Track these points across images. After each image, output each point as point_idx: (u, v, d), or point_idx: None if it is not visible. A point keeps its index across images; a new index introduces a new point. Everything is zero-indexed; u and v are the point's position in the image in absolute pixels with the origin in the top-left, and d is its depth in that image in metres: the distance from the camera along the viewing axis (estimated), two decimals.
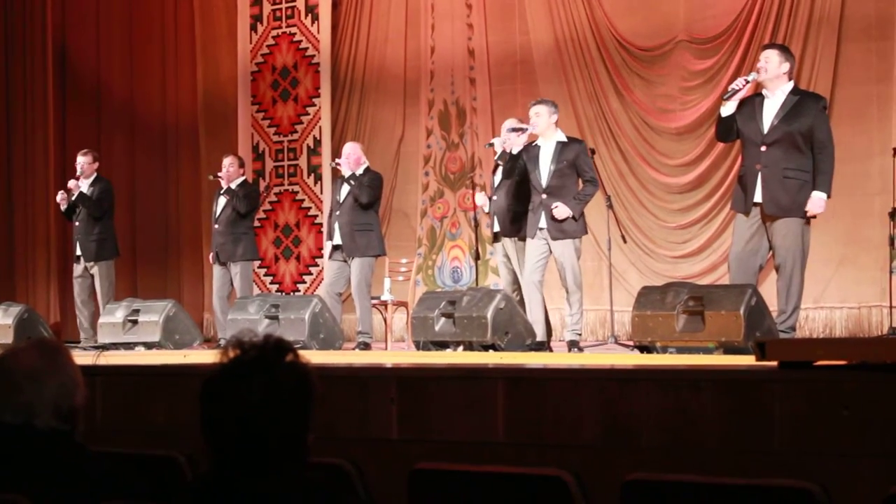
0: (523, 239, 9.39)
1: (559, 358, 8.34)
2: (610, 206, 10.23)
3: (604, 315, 11.34)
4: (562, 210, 8.96)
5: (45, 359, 3.30)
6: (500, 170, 9.64)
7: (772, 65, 7.85)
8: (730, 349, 7.16)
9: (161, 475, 3.82)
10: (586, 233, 9.31)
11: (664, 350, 7.57)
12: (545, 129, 9.19)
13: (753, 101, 7.92)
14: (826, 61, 10.75)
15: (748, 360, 5.27)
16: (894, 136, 10.41)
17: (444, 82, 12.95)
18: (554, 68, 12.18)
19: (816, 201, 7.71)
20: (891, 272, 9.80)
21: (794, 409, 4.58)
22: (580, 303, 9.16)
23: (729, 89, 7.98)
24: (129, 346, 10.53)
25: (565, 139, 9.22)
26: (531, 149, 9.20)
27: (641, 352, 7.75)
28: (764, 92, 7.91)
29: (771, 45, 8.29)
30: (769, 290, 8.34)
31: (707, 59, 11.43)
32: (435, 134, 13.02)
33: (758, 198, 7.77)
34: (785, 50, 8.10)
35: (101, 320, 11.05)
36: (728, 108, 7.92)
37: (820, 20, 10.79)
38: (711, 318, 7.31)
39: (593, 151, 10.79)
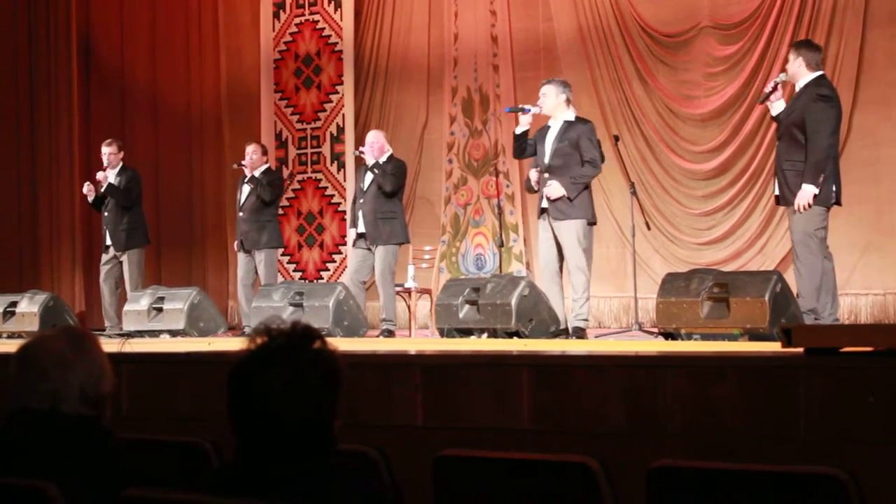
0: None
1: (584, 345, 8.32)
2: (634, 193, 10.20)
3: (628, 302, 11.32)
4: (555, 189, 8.84)
5: (72, 345, 3.31)
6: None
7: (790, 64, 8.13)
8: (755, 336, 7.15)
9: (187, 462, 3.83)
10: (593, 217, 9.06)
11: (689, 337, 7.56)
12: (553, 109, 9.10)
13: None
14: (851, 47, 10.69)
15: (774, 347, 5.25)
16: None
17: (467, 69, 12.93)
18: (577, 55, 12.15)
19: (802, 193, 7.88)
20: None
21: (820, 395, 4.57)
22: (584, 287, 8.89)
23: (764, 93, 8.30)
24: (153, 333, 10.56)
25: (573, 119, 9.11)
26: (543, 128, 9.17)
27: (666, 339, 7.73)
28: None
29: (796, 45, 8.45)
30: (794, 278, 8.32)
31: (731, 45, 11.38)
32: (458, 121, 13.00)
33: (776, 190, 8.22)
34: (801, 46, 8.26)
35: (125, 308, 11.08)
36: (775, 109, 8.23)
37: (845, 6, 10.73)
38: (736, 305, 7.29)
39: (617, 138, 10.81)
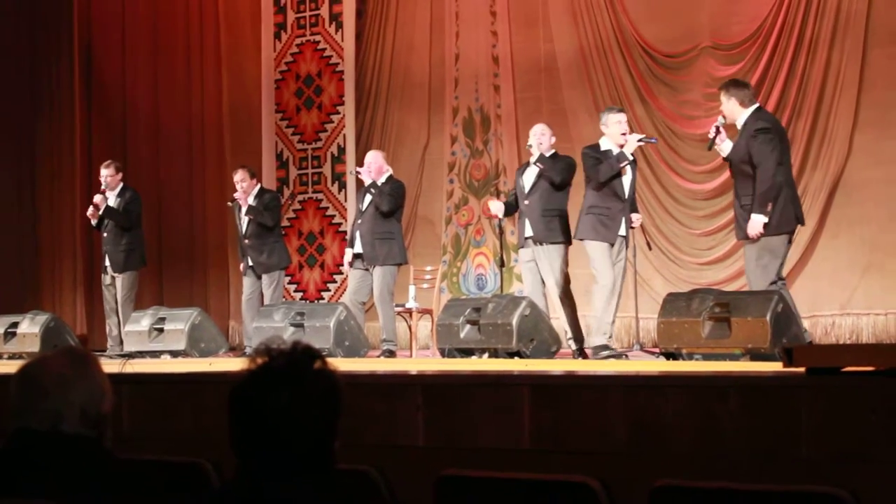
0: (555, 244, 9.41)
1: (585, 365, 8.32)
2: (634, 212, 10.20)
3: (629, 322, 11.31)
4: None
5: (73, 365, 3.30)
6: (528, 172, 9.66)
7: (724, 106, 8.38)
8: (756, 356, 7.14)
9: (187, 482, 3.82)
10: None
11: (690, 357, 7.55)
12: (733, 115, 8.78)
13: None
14: (852, 66, 10.70)
15: (775, 367, 5.25)
16: None
17: (468, 90, 12.96)
18: (578, 75, 12.17)
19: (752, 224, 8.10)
20: None
21: (822, 415, 4.56)
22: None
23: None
24: (154, 354, 10.55)
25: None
26: (622, 156, 9.15)
27: (667, 359, 7.73)
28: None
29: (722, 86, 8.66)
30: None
31: (732, 65, 11.39)
32: (459, 141, 13.02)
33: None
34: (728, 86, 8.50)
35: (126, 328, 11.08)
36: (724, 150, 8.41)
37: (846, 25, 10.74)
38: (738, 325, 7.29)
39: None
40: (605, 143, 9.24)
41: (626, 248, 9.26)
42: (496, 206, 10.08)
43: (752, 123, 8.21)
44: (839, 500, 3.04)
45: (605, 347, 8.89)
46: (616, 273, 9.07)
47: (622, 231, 9.09)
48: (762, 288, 7.92)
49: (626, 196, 9.13)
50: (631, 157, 9.15)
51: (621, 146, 9.14)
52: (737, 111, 8.27)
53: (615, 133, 9.20)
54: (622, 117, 9.34)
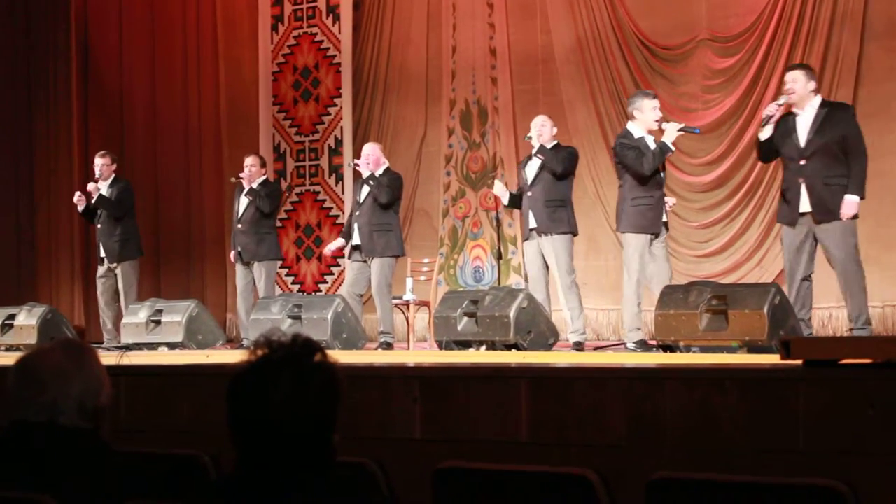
0: (560, 234, 9.40)
1: (582, 357, 8.33)
2: None
3: None
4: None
5: (71, 358, 3.31)
6: (530, 164, 9.64)
7: (799, 85, 8.26)
8: (754, 348, 7.15)
9: (185, 475, 3.82)
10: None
11: (687, 349, 7.56)
12: (803, 99, 8.56)
13: (787, 121, 8.32)
14: (849, 60, 10.69)
15: (773, 359, 5.25)
16: None
17: (465, 82, 12.95)
18: (576, 67, 12.16)
19: (848, 203, 8.08)
20: None
21: (820, 407, 4.57)
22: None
23: (764, 116, 8.41)
24: (152, 346, 10.56)
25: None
26: (666, 148, 9.00)
27: (665, 351, 7.73)
28: (795, 110, 8.31)
29: (795, 67, 8.67)
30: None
31: (729, 57, 11.39)
32: (457, 133, 13.01)
33: (804, 207, 8.16)
34: (809, 69, 8.53)
35: (124, 321, 11.07)
36: (766, 133, 8.35)
37: (843, 18, 10.73)
38: (735, 317, 7.30)
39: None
40: (635, 130, 9.02)
41: (668, 231, 9.14)
42: (500, 188, 9.91)
43: (842, 109, 8.33)
44: (836, 492, 3.04)
45: (644, 343, 8.84)
46: (665, 256, 9.00)
47: (664, 217, 9.02)
48: (857, 270, 8.15)
49: (664, 182, 9.11)
50: (673, 149, 9.04)
51: (652, 132, 8.99)
52: (807, 97, 8.23)
53: (649, 119, 9.01)
54: (657, 103, 9.13)
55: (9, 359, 3.61)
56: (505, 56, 12.65)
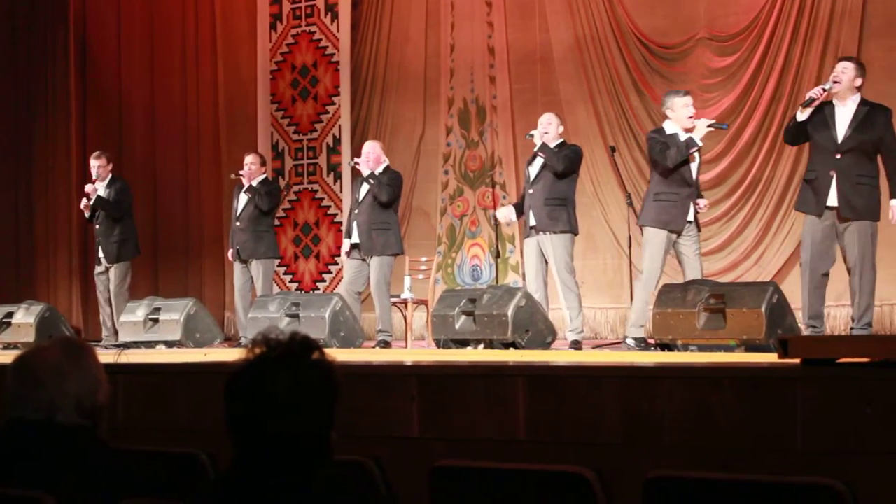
0: (559, 233, 9.40)
1: (580, 356, 8.33)
2: (630, 204, 10.21)
3: (623, 313, 11.30)
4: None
5: (69, 356, 3.31)
6: (535, 162, 9.64)
7: (847, 76, 8.21)
8: (751, 347, 7.16)
9: (183, 473, 3.82)
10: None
11: (685, 348, 7.57)
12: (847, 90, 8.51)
13: (824, 110, 8.23)
14: None
15: (770, 358, 5.25)
16: None
17: (463, 80, 12.94)
18: (574, 66, 12.16)
19: (894, 208, 8.10)
20: None
21: (817, 406, 4.57)
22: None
23: (808, 97, 8.28)
24: (150, 344, 10.56)
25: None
26: (691, 142, 8.94)
27: (662, 350, 7.74)
28: (834, 101, 8.25)
29: (848, 59, 8.60)
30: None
31: (728, 56, 11.39)
32: (455, 132, 13.01)
33: (832, 202, 8.09)
34: (861, 65, 8.46)
35: (122, 319, 11.08)
36: (805, 114, 8.23)
37: (841, 17, 10.74)
38: (733, 316, 7.31)
39: (614, 149, 10.93)
40: (669, 127, 9.01)
41: (699, 231, 9.07)
42: (504, 214, 9.98)
43: (882, 111, 8.23)
44: (834, 491, 3.04)
45: (643, 342, 8.82)
46: (695, 254, 8.90)
47: (689, 216, 8.99)
48: (871, 273, 8.04)
49: (693, 181, 9.07)
50: (700, 143, 8.99)
51: (688, 130, 8.96)
52: (851, 91, 8.18)
53: (682, 116, 8.99)
54: (689, 100, 9.11)
55: (7, 357, 3.61)
56: (503, 55, 12.65)
